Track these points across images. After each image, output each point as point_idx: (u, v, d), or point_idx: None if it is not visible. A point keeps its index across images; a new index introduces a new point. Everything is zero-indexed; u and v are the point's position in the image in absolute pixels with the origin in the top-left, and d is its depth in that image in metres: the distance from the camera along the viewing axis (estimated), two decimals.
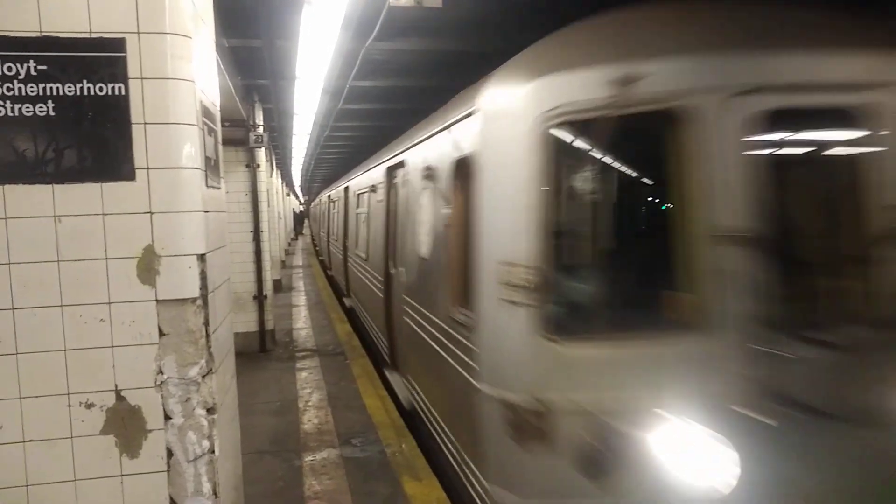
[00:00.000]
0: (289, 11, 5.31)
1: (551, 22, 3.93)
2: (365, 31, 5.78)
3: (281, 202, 24.09)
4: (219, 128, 2.94)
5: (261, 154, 9.54)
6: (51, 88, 2.26)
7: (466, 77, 7.28)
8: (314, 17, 4.95)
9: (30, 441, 2.34)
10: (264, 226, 9.49)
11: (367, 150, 15.01)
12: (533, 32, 4.10)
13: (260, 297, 9.43)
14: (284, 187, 28.75)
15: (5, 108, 2.24)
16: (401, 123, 11.53)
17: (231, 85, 6.77)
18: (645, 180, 4.13)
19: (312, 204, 39.44)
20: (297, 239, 41.48)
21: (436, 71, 8.31)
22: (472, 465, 3.85)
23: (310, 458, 5.45)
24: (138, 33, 2.30)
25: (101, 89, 2.29)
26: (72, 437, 2.36)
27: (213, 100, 2.86)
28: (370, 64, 7.53)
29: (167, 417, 2.41)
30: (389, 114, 11.96)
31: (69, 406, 2.35)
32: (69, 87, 2.27)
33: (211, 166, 2.66)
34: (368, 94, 9.91)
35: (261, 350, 9.49)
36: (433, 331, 4.89)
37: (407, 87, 9.28)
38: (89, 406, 2.37)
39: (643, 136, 3.44)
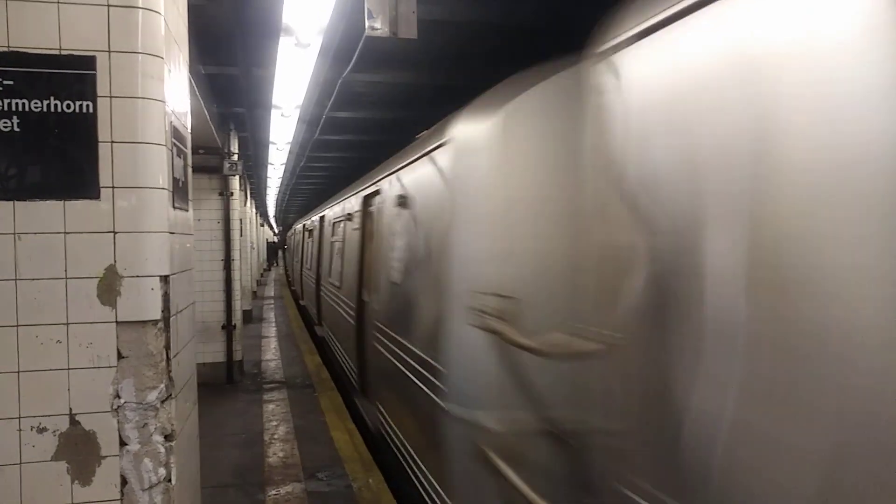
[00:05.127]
0: (266, 39, 5.34)
1: (525, 58, 3.99)
2: (342, 61, 5.82)
3: (254, 232, 23.90)
4: (189, 150, 2.91)
5: (235, 182, 9.49)
6: (17, 104, 2.22)
7: (443, 111, 7.36)
8: (291, 45, 4.97)
9: None
10: (236, 254, 9.38)
11: (342, 183, 15.01)
12: (507, 68, 4.17)
13: (229, 327, 9.27)
14: (258, 217, 28.56)
15: None
16: (377, 155, 11.57)
17: (207, 112, 6.75)
18: None
19: (287, 234, 39.35)
20: (269, 270, 41.07)
21: (413, 104, 8.39)
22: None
23: (273, 491, 5.30)
24: (109, 52, 2.28)
25: (68, 106, 2.26)
26: (20, 464, 2.26)
27: (185, 122, 2.84)
28: (348, 95, 7.57)
29: (122, 443, 2.33)
30: (366, 145, 12.00)
31: (19, 430, 2.26)
32: (35, 103, 2.23)
33: (179, 188, 2.63)
34: (345, 125, 9.95)
35: (228, 381, 9.29)
36: None
37: (384, 119, 9.34)
38: (41, 431, 2.28)
39: None
